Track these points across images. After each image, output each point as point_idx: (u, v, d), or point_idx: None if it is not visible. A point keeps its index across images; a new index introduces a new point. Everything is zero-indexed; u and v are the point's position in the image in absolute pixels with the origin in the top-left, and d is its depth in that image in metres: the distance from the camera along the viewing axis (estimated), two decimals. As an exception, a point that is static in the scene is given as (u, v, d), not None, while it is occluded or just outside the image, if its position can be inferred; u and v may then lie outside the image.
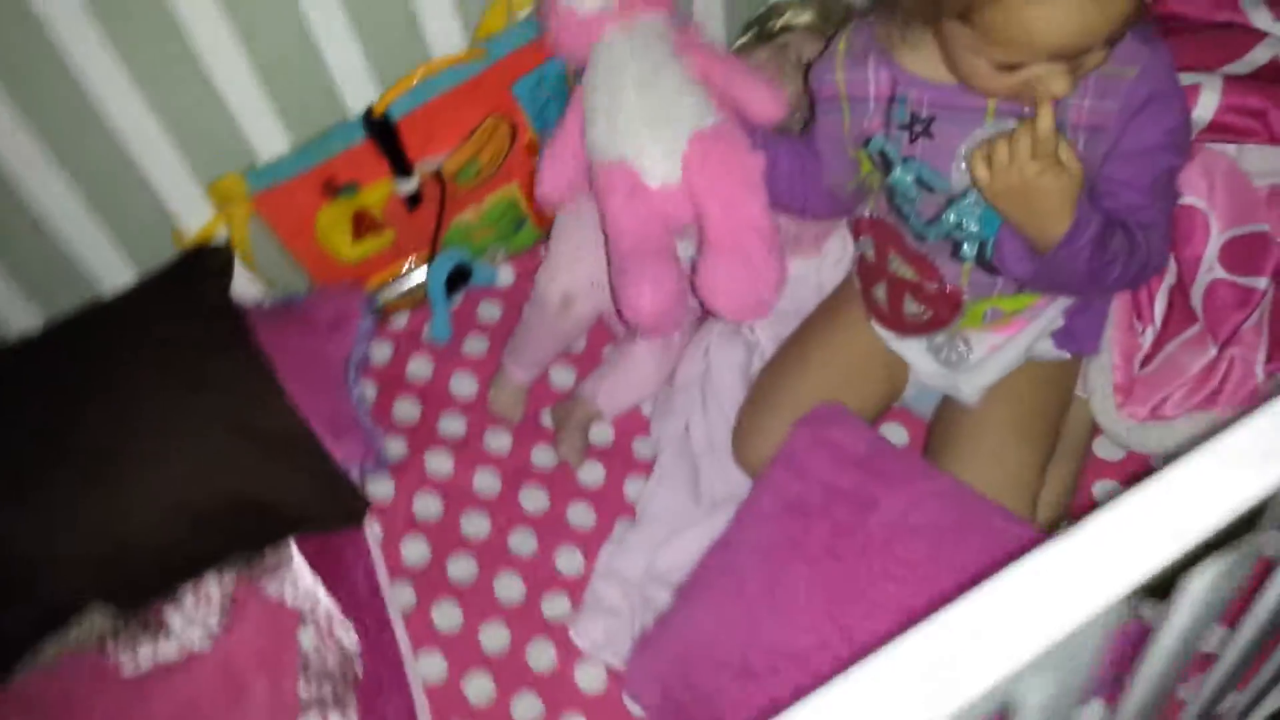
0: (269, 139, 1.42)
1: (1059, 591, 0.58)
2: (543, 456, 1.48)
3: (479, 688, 1.33)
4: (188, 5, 1.26)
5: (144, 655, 1.28)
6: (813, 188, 1.33)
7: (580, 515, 1.43)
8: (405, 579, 1.41)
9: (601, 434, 1.49)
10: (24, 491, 1.28)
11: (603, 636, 1.32)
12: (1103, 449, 1.35)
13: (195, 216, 1.45)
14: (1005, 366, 1.28)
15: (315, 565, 1.39)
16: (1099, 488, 1.33)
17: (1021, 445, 1.25)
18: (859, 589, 1.13)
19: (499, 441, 1.50)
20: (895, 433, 1.42)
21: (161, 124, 1.34)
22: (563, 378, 1.54)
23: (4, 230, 1.37)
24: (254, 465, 1.34)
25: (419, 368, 1.57)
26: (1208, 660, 1.01)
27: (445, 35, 1.44)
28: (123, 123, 1.32)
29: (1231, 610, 0.84)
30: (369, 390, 1.54)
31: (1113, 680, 0.96)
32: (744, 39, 1.59)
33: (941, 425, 1.33)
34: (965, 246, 1.19)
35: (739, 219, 1.26)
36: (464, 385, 1.55)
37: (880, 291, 1.32)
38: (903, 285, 1.29)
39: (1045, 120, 1.02)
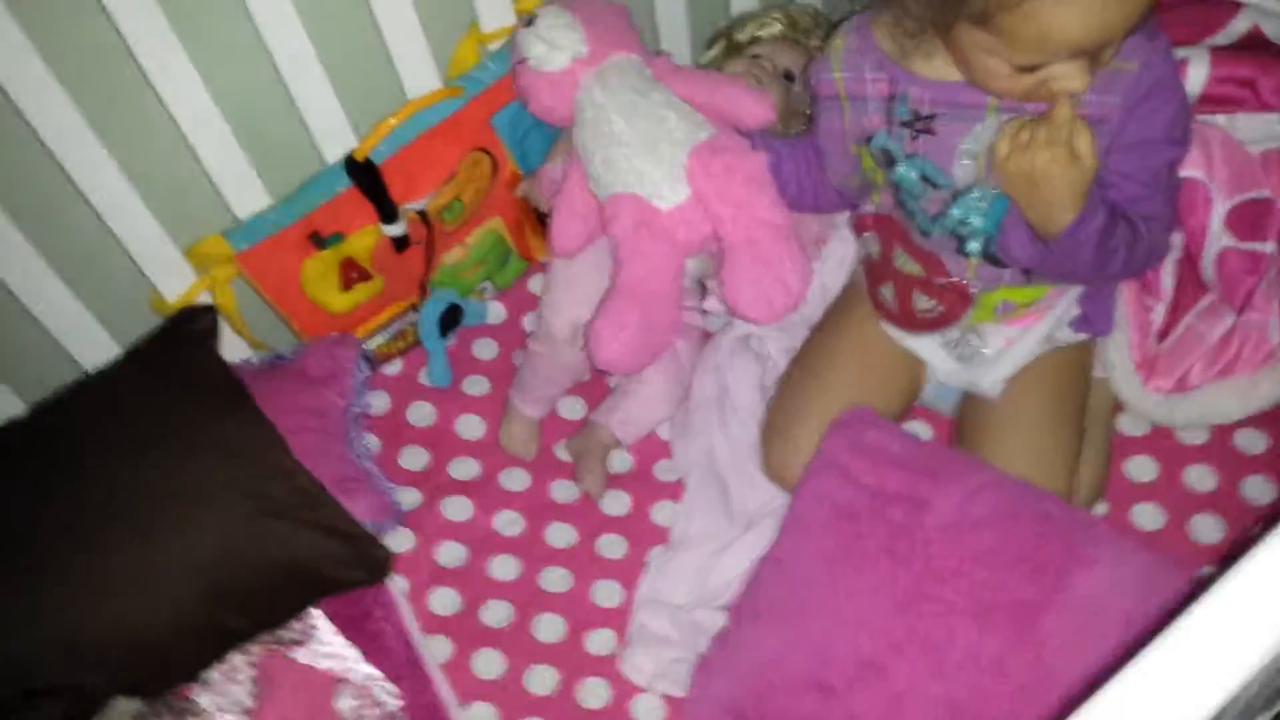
0: (247, 195, 1.38)
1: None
2: (563, 491, 1.45)
3: (534, 732, 1.30)
4: (156, 61, 1.22)
5: (177, 741, 1.24)
6: (819, 184, 1.33)
7: (611, 546, 1.41)
8: (439, 631, 1.37)
9: (620, 462, 1.47)
10: (37, 582, 1.22)
11: (654, 667, 1.29)
12: (1126, 426, 1.37)
13: (175, 281, 1.40)
14: (1022, 359, 1.29)
15: (343, 628, 1.35)
16: (1129, 463, 1.35)
17: (1054, 431, 1.27)
18: (926, 588, 1.13)
19: (516, 480, 1.47)
20: (919, 431, 1.42)
21: (136, 188, 1.30)
22: (572, 409, 1.51)
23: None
24: (272, 530, 1.30)
25: (421, 414, 1.53)
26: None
27: (420, 76, 1.41)
28: (96, 190, 1.27)
29: None
30: (372, 442, 1.50)
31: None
32: (712, 52, 1.59)
33: (969, 420, 1.33)
34: (971, 243, 1.20)
35: (750, 218, 1.27)
36: (471, 427, 1.51)
37: (888, 290, 1.33)
38: (910, 281, 1.29)
39: (1063, 111, 1.03)
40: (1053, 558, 1.11)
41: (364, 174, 1.39)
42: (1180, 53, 1.27)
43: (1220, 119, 1.28)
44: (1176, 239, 1.30)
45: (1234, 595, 0.60)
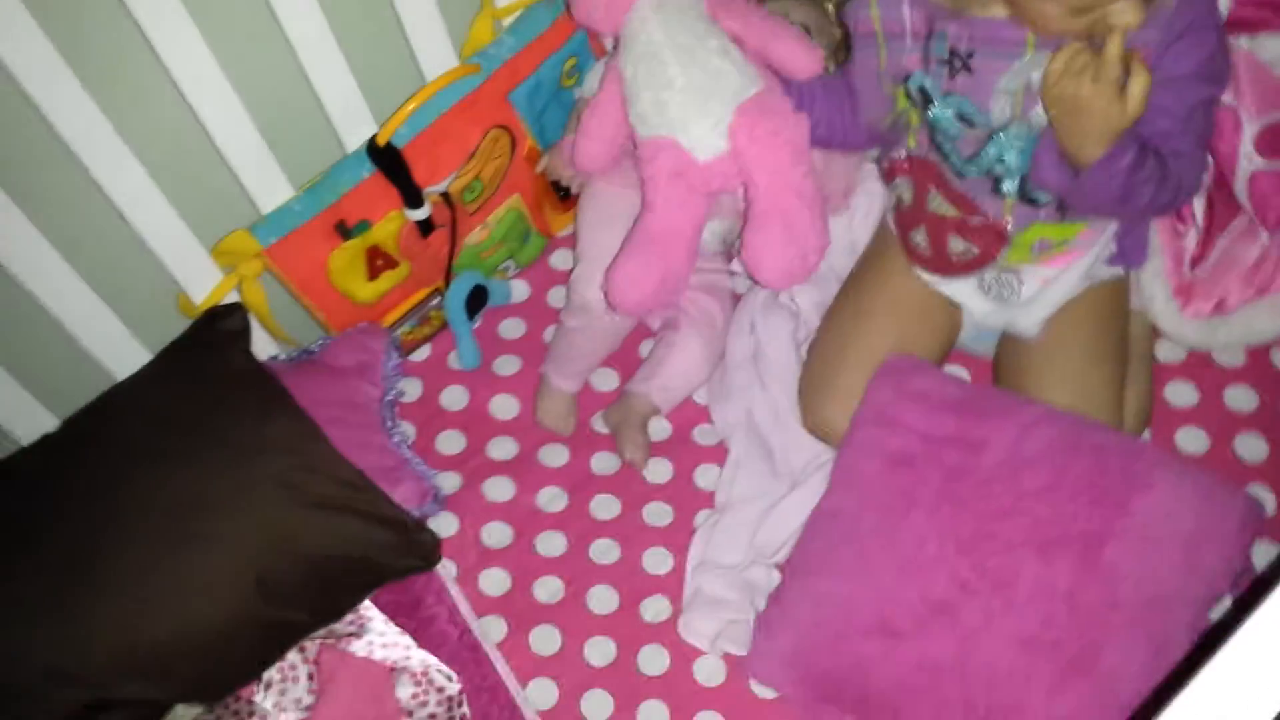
0: (269, 186, 1.37)
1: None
2: (603, 463, 1.45)
3: (597, 704, 1.29)
4: (179, 57, 1.21)
5: (240, 744, 1.23)
6: (849, 124, 1.34)
7: (657, 514, 1.40)
8: (492, 611, 1.36)
9: (659, 429, 1.46)
10: (96, 596, 1.21)
11: (714, 629, 1.29)
12: (1163, 353, 1.38)
13: (201, 281, 1.39)
14: (1061, 298, 1.29)
15: (395, 617, 1.34)
16: (1170, 390, 1.35)
17: (1099, 365, 1.27)
18: (988, 527, 1.13)
19: (555, 456, 1.46)
20: (958, 375, 1.42)
21: (158, 184, 1.28)
22: (606, 380, 1.51)
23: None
24: (320, 523, 1.29)
25: (453, 397, 1.52)
26: None
27: (437, 55, 1.41)
28: (118, 187, 1.26)
29: None
30: (407, 429, 1.49)
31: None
32: None
33: (1009, 362, 1.33)
34: (1006, 181, 1.20)
35: (784, 185, 1.26)
36: (505, 407, 1.51)
37: (920, 235, 1.32)
38: (945, 224, 1.29)
39: (1115, 46, 1.03)
40: (1111, 487, 1.11)
41: (387, 159, 1.38)
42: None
43: (1243, 41, 1.28)
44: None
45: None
